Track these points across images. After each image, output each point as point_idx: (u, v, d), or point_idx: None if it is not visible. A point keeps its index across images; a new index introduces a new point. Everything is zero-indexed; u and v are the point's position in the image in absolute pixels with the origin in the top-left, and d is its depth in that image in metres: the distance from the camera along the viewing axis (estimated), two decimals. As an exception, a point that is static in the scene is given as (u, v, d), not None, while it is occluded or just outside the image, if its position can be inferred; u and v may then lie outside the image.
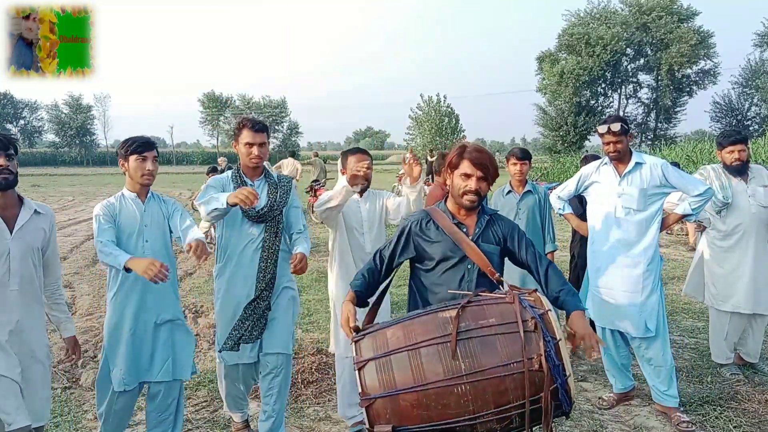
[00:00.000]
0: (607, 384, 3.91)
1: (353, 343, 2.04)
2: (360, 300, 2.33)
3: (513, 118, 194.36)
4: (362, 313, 2.32)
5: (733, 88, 40.51)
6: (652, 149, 32.40)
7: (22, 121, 65.53)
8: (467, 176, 2.32)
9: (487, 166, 2.32)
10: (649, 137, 41.46)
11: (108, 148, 65.22)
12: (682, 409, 3.54)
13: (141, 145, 2.82)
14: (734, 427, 3.38)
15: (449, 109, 41.39)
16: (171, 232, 2.94)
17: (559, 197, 3.95)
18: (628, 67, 41.59)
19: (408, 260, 2.47)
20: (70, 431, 3.46)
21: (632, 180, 3.47)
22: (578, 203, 4.19)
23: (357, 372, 1.95)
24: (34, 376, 2.51)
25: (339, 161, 3.41)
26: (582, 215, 3.99)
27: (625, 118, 6.49)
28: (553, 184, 13.38)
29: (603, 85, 41.51)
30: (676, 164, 6.24)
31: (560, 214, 4.07)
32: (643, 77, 42.12)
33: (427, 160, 16.90)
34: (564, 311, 2.26)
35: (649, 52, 40.21)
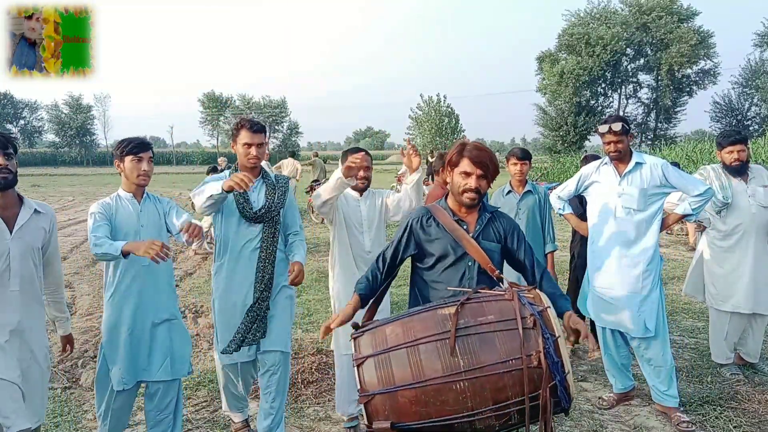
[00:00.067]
0: (607, 384, 3.91)
1: (352, 340, 2.05)
2: (364, 304, 2.35)
3: (513, 118, 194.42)
4: (362, 311, 2.34)
5: (733, 88, 40.61)
6: (652, 149, 32.39)
7: (22, 121, 65.59)
8: (467, 174, 2.32)
9: (486, 165, 2.32)
10: (649, 137, 41.45)
11: (108, 148, 65.03)
12: (682, 409, 3.54)
13: (136, 146, 2.83)
14: (734, 427, 3.38)
15: (449, 109, 41.45)
16: (169, 231, 2.95)
17: (559, 197, 3.95)
18: (628, 67, 41.59)
19: (409, 258, 2.48)
20: (70, 431, 3.46)
21: (632, 180, 3.47)
22: (578, 203, 4.19)
23: (356, 369, 1.95)
24: (32, 377, 2.51)
25: (339, 161, 3.41)
26: (582, 215, 3.99)
27: (626, 117, 6.48)
28: (553, 184, 13.39)
29: (603, 85, 41.51)
30: (676, 164, 6.23)
31: (560, 214, 4.06)
32: (643, 77, 42.21)
33: (427, 160, 16.93)
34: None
35: (649, 52, 40.20)
